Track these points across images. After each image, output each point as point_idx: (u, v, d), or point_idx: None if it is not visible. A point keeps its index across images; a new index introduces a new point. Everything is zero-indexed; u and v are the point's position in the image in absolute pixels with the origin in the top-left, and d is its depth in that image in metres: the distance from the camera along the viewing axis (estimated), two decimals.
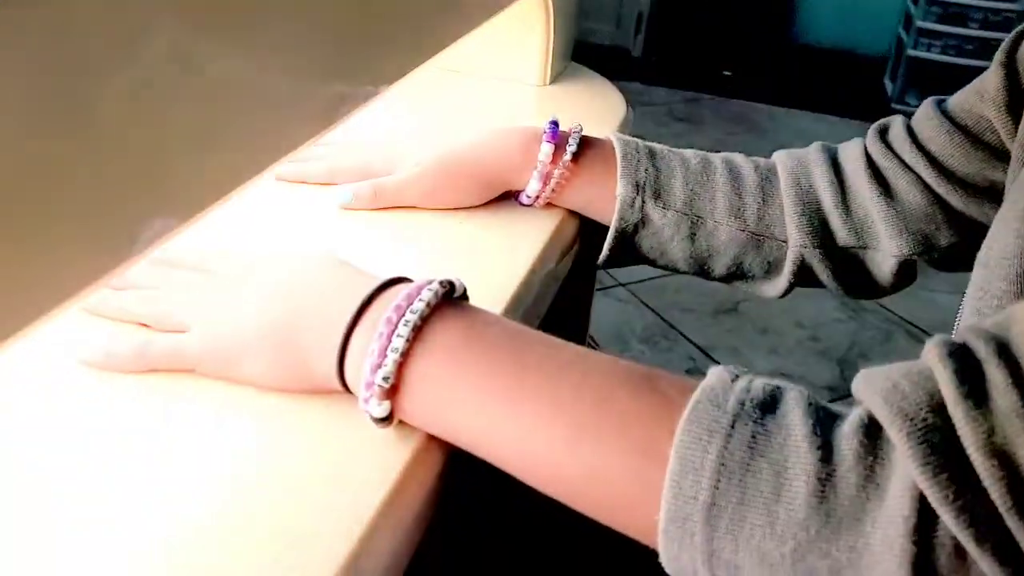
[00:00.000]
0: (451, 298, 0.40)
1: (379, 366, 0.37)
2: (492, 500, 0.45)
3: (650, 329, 1.77)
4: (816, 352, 1.76)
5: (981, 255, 0.41)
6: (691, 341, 1.75)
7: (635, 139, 0.60)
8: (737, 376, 0.35)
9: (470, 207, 0.60)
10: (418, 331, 0.38)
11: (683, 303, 1.84)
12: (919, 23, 3.16)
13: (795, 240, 0.57)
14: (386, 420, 0.38)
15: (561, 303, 0.71)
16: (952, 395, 0.30)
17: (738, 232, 0.58)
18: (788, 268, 0.58)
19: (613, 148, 0.59)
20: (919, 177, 0.55)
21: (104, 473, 0.37)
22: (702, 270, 0.60)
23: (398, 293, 0.39)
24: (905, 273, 0.57)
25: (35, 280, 0.27)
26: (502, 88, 0.83)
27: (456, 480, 0.41)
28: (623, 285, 1.87)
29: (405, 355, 0.37)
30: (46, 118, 0.25)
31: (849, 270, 0.58)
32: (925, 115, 0.56)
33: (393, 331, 0.38)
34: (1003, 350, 0.30)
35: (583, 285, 0.84)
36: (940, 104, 0.56)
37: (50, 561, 0.33)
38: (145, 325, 0.44)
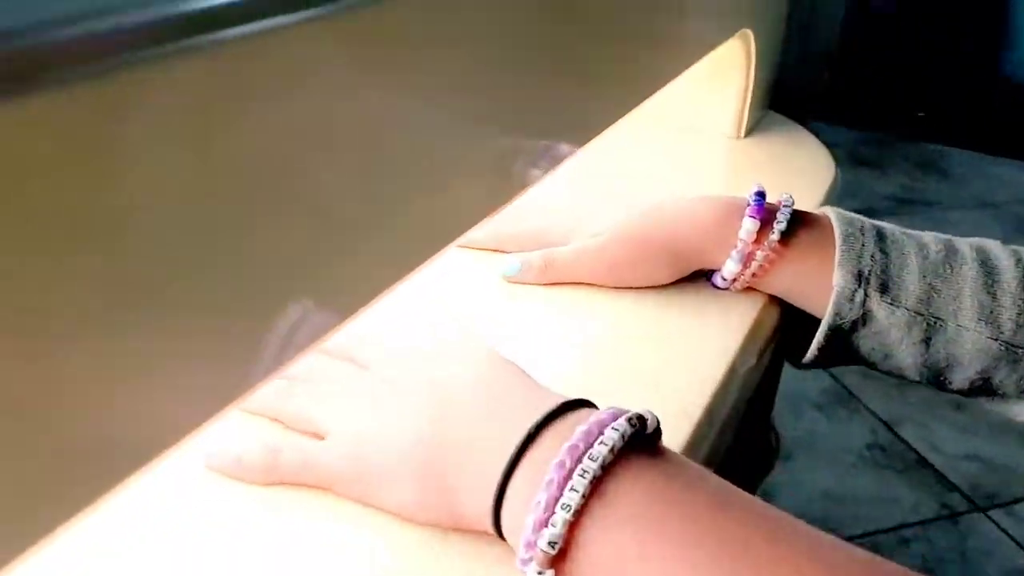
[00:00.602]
0: (640, 437, 0.32)
1: (545, 524, 0.30)
2: None
3: (827, 395, 1.62)
4: (1020, 436, 1.55)
5: None
6: (873, 412, 1.59)
7: (859, 217, 0.50)
8: None
9: (654, 287, 0.52)
10: (597, 483, 0.30)
11: (865, 368, 1.67)
12: None
13: None
14: None
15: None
16: None
17: (989, 341, 0.47)
18: None
19: (831, 226, 0.50)
20: None
21: None
22: (937, 381, 0.49)
23: (574, 428, 0.32)
24: None
25: (173, 397, 0.21)
26: (690, 140, 0.74)
27: None
28: None
29: (579, 514, 0.30)
30: (190, 201, 0.20)
31: None
32: None
33: (566, 481, 0.30)
34: None
35: (771, 368, 0.74)
36: None
37: None
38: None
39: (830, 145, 0.75)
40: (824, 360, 0.51)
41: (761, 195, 0.50)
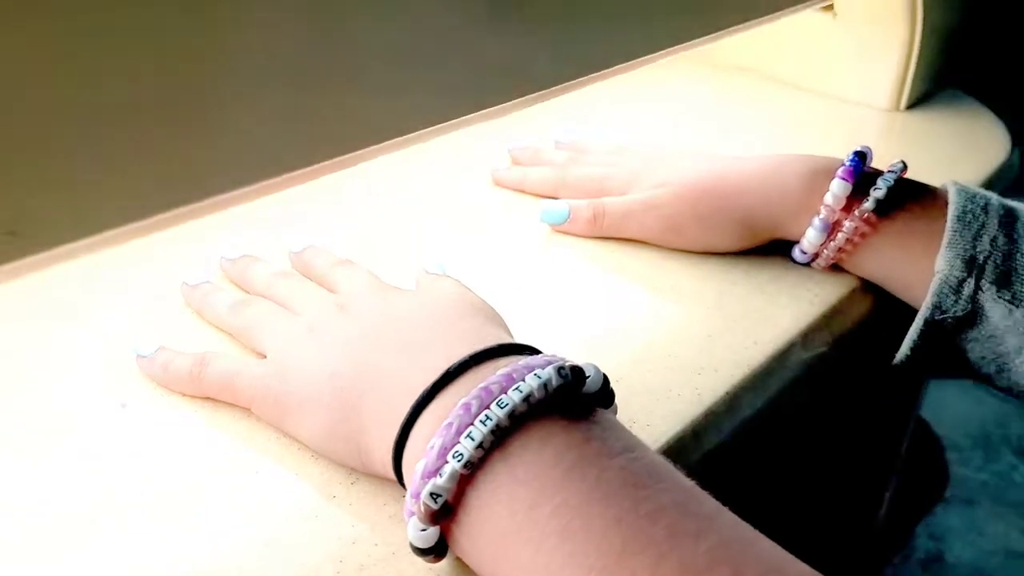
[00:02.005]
0: (576, 394, 0.27)
1: (434, 473, 0.25)
2: None
3: None
4: None
5: None
6: None
7: (987, 193, 0.40)
8: None
9: (719, 253, 0.44)
10: (506, 436, 0.25)
11: None
12: None
13: None
14: (432, 552, 0.26)
15: (873, 399, 0.52)
16: None
17: None
18: None
19: (946, 202, 0.40)
20: None
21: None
22: None
23: (496, 369, 0.27)
24: None
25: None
26: (835, 109, 0.64)
27: None
28: None
29: (475, 467, 0.25)
30: None
31: None
32: None
33: (468, 426, 0.25)
34: None
35: (906, 378, 0.63)
36: None
37: None
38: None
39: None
40: (923, 364, 0.42)
41: (860, 156, 0.42)
